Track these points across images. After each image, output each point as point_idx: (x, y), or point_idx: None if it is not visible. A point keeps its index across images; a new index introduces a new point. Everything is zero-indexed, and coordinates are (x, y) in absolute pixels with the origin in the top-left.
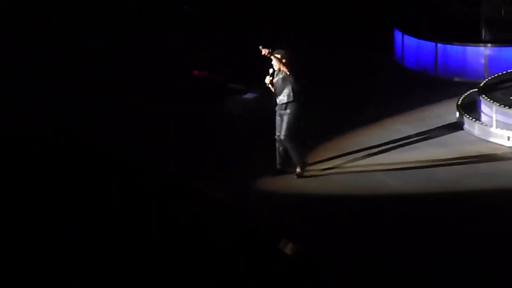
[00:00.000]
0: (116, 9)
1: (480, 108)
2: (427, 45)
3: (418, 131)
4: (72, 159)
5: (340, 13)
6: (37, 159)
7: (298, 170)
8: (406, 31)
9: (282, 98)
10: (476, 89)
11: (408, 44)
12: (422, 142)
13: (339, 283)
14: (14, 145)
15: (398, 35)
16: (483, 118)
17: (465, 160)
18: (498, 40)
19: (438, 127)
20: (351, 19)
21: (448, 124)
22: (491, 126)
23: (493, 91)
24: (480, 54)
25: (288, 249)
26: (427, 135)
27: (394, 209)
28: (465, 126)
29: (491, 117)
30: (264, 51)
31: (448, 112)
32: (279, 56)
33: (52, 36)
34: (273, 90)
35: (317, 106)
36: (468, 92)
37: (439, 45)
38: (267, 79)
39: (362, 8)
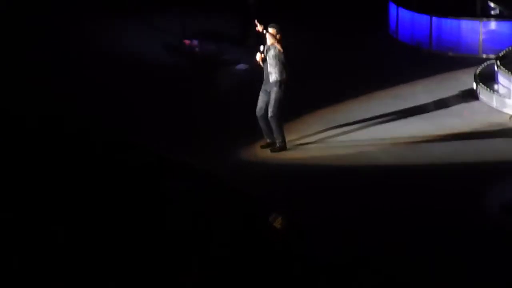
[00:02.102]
0: None
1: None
2: (422, 19)
3: (409, 105)
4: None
5: None
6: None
7: (276, 146)
8: (401, 4)
9: (273, 75)
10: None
11: (403, 18)
12: (413, 116)
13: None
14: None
15: (392, 8)
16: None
17: (463, 134)
18: (494, 15)
19: (431, 101)
20: None
21: (442, 98)
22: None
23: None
24: (475, 29)
25: (278, 222)
26: (419, 109)
27: (383, 183)
28: (481, 96)
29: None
30: (259, 27)
31: (442, 86)
32: (273, 31)
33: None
34: (263, 66)
35: (309, 79)
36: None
37: (434, 18)
38: (258, 57)
39: None
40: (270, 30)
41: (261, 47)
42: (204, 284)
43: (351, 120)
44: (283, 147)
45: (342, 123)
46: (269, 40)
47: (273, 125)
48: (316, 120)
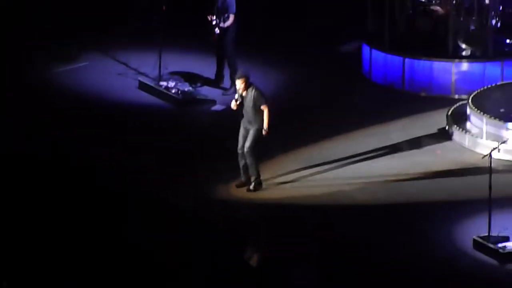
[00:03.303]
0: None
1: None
2: (395, 60)
3: (383, 144)
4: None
5: (307, 27)
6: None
7: (251, 185)
8: (374, 45)
9: (255, 124)
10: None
11: (376, 59)
12: (387, 155)
13: None
14: None
15: (365, 49)
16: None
17: (436, 173)
18: (465, 56)
19: (404, 141)
20: (319, 33)
21: (415, 138)
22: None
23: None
24: (448, 70)
25: (253, 259)
26: (392, 148)
27: (358, 221)
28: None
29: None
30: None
31: (415, 126)
32: (241, 81)
33: None
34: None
35: (281, 118)
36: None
37: (406, 60)
38: (233, 104)
39: (330, 20)
40: (238, 80)
41: (236, 95)
42: None
43: (325, 160)
44: (259, 185)
45: (316, 162)
46: (241, 89)
47: (249, 159)
48: (291, 159)
